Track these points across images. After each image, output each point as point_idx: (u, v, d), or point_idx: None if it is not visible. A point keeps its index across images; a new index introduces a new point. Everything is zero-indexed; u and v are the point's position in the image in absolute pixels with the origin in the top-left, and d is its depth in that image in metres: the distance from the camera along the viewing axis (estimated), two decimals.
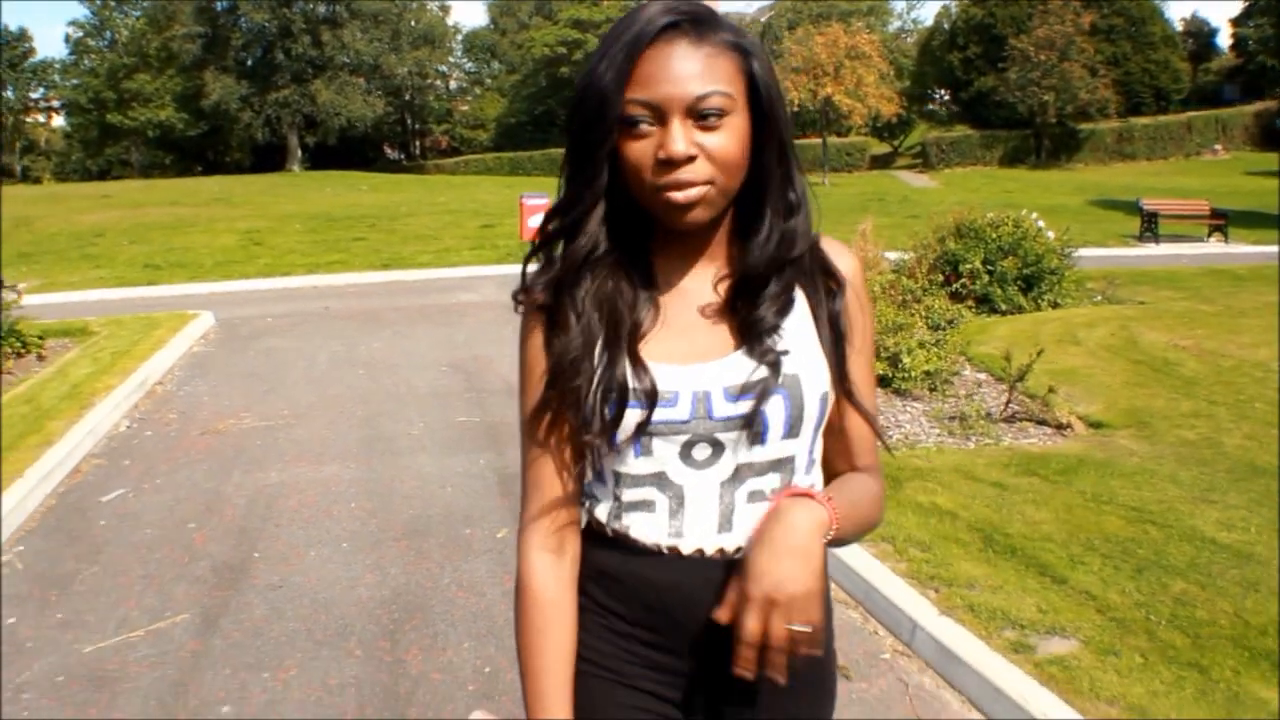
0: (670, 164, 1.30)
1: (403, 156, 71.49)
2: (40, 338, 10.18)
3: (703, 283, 1.46)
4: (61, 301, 14.23)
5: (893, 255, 12.21)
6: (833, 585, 1.19)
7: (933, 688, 3.86)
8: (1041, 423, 7.12)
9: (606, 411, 1.39)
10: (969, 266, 11.49)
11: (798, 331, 1.44)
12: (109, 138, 63.19)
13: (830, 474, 1.57)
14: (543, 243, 1.47)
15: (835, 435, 1.55)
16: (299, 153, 59.11)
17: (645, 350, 1.42)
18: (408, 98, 65.64)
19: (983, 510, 5.23)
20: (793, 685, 1.41)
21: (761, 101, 1.36)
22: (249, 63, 58.82)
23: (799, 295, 1.46)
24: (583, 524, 1.54)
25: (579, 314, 1.42)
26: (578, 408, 1.41)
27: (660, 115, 1.30)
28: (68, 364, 9.56)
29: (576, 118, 1.36)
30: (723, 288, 1.45)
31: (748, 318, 1.42)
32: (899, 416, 7.27)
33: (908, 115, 51.14)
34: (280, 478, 6.33)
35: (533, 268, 1.48)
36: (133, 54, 60.75)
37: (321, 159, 59.26)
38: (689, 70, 1.29)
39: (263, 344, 10.91)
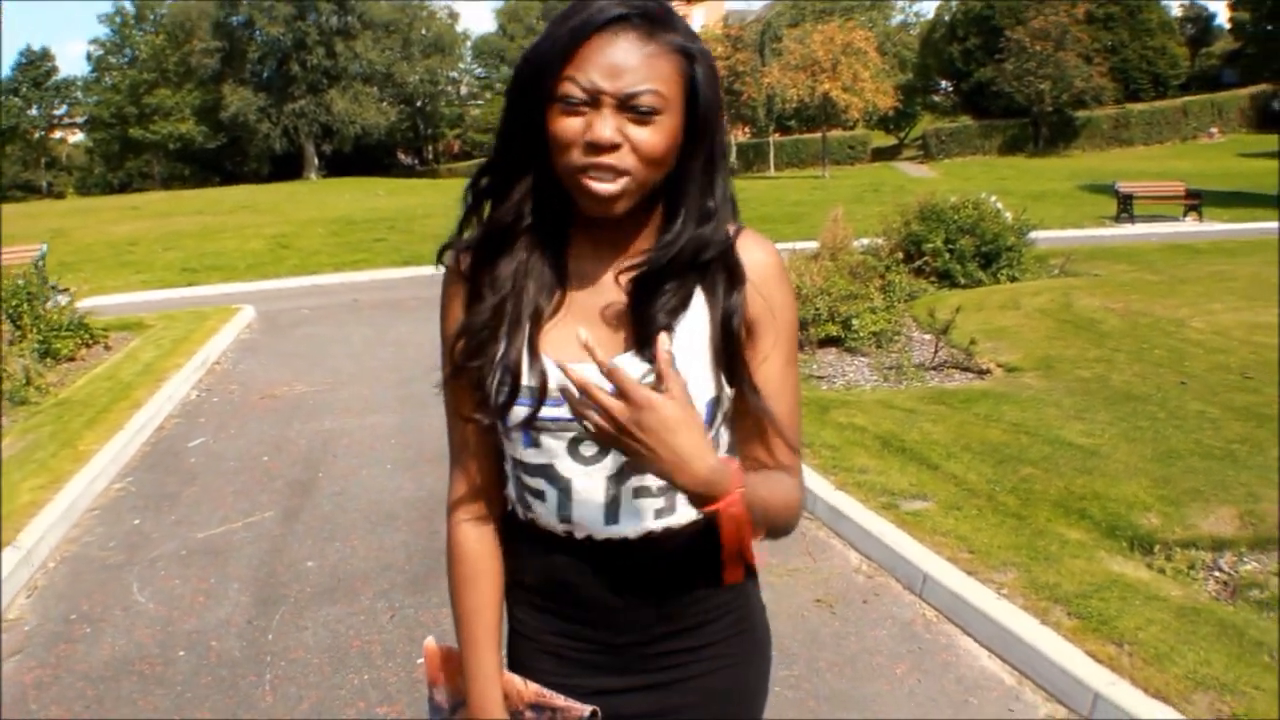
0: (596, 148, 1.30)
1: (416, 162, 73.13)
2: (105, 330, 11.64)
3: (610, 275, 1.46)
4: (111, 303, 15.29)
5: (865, 241, 13.48)
6: None
7: (824, 537, 5.25)
8: (966, 369, 8.46)
9: (500, 398, 1.44)
10: (931, 245, 12.78)
11: (691, 333, 1.42)
12: (130, 151, 64.61)
13: (750, 457, 1.52)
14: (475, 201, 1.50)
15: (749, 423, 1.51)
16: (315, 161, 60.68)
17: (542, 340, 1.45)
18: (420, 104, 67.20)
19: (889, 425, 6.59)
20: (719, 660, 1.58)
21: (699, 106, 1.37)
22: (265, 75, 60.47)
23: (699, 296, 1.44)
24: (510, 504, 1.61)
25: (493, 290, 1.46)
26: (478, 386, 1.46)
27: (594, 99, 1.30)
28: (134, 350, 10.98)
29: (515, 84, 1.39)
30: (625, 281, 1.43)
31: (641, 316, 1.41)
32: (845, 369, 8.62)
33: (908, 108, 52.31)
34: (333, 425, 7.74)
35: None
36: (152, 70, 62.29)
37: (337, 166, 60.77)
38: (628, 65, 1.30)
39: (302, 330, 12.35)
